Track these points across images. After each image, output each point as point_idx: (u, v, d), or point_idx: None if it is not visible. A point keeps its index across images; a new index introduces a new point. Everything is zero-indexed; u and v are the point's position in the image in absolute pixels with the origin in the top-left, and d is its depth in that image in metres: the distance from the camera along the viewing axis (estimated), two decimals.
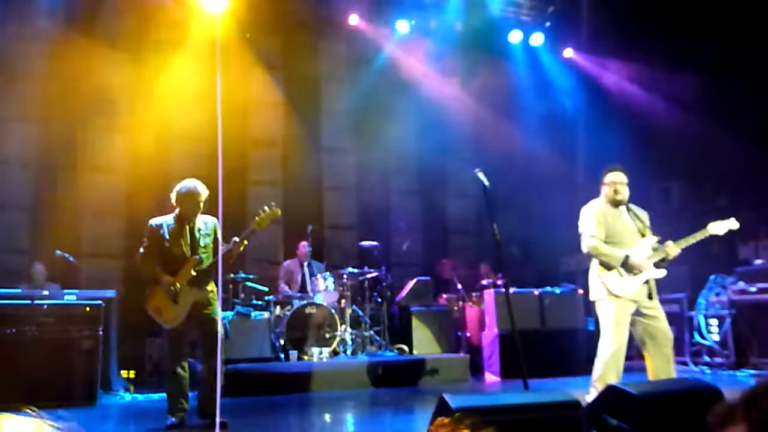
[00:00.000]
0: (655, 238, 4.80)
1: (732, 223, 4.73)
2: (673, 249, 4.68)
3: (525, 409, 3.07)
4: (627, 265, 4.64)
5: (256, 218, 4.87)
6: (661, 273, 4.71)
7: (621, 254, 4.65)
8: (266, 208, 4.89)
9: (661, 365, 4.61)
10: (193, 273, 4.84)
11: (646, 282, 4.69)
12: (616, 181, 4.84)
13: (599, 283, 4.74)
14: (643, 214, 4.95)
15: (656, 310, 4.68)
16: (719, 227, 4.73)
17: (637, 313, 4.67)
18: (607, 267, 4.69)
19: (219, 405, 4.13)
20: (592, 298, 4.87)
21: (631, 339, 4.71)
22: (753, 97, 8.19)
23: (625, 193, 4.86)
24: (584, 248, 4.78)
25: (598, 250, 4.70)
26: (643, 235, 4.82)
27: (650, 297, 4.68)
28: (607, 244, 4.74)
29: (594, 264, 4.81)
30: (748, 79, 8.13)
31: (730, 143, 8.24)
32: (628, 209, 4.91)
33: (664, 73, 9.33)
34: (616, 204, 4.85)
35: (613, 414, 3.33)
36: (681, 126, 8.94)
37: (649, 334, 4.66)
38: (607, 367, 4.59)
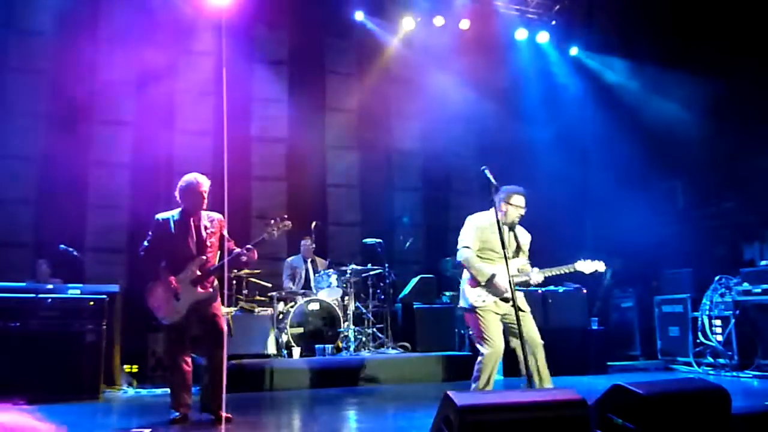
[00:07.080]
0: (525, 261, 4.88)
1: (599, 265, 4.79)
2: (536, 276, 4.76)
3: (531, 407, 3.07)
4: (490, 284, 4.69)
5: (268, 229, 4.99)
6: (519, 294, 4.66)
7: (489, 271, 4.70)
8: (278, 219, 5.02)
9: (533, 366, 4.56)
10: (198, 273, 4.85)
11: (505, 300, 4.68)
12: (522, 206, 4.88)
13: (464, 294, 4.82)
14: (525, 238, 5.01)
15: (524, 317, 4.62)
16: (587, 266, 4.79)
17: (503, 319, 4.74)
18: (474, 280, 4.76)
19: (224, 400, 4.11)
20: (460, 304, 4.95)
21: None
22: (759, 98, 8.16)
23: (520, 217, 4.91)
24: (458, 257, 4.87)
25: (470, 263, 4.78)
26: (516, 258, 4.85)
27: (515, 308, 4.35)
28: (479, 257, 4.79)
29: (465, 274, 4.88)
30: (754, 79, 8.10)
31: (737, 144, 8.21)
32: (511, 229, 4.92)
33: (670, 73, 9.30)
34: (510, 225, 4.88)
35: (619, 413, 3.33)
36: (687, 126, 8.91)
37: (514, 335, 4.70)
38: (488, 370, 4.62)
